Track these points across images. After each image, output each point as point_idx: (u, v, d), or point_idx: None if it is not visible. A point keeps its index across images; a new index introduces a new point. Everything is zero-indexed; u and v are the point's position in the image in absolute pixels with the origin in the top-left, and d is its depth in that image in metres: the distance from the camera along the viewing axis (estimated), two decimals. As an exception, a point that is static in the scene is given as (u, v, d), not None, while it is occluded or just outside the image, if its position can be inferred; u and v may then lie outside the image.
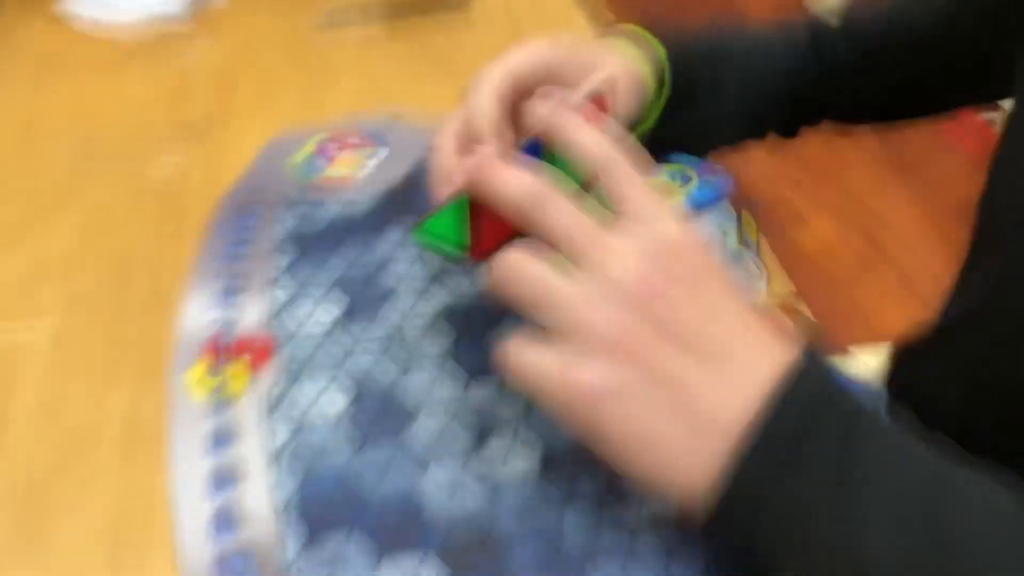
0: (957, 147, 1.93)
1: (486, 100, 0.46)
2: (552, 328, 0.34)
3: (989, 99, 0.62)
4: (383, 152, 0.62)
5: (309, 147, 0.64)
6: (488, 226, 0.40)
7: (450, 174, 0.46)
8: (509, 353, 0.36)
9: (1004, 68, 0.54)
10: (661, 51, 0.55)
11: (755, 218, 0.56)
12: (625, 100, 0.51)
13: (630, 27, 0.57)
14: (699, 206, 0.55)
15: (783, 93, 0.60)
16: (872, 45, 0.61)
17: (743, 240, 0.52)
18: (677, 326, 0.33)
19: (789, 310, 0.47)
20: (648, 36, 0.56)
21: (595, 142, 0.36)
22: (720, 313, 0.34)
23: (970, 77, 0.60)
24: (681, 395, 0.33)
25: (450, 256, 0.42)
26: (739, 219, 0.54)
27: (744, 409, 0.32)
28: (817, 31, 0.62)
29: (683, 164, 0.59)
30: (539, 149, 0.40)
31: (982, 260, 0.52)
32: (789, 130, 0.64)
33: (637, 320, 0.33)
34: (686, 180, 0.58)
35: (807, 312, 0.49)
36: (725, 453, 0.32)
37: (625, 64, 0.52)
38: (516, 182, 0.35)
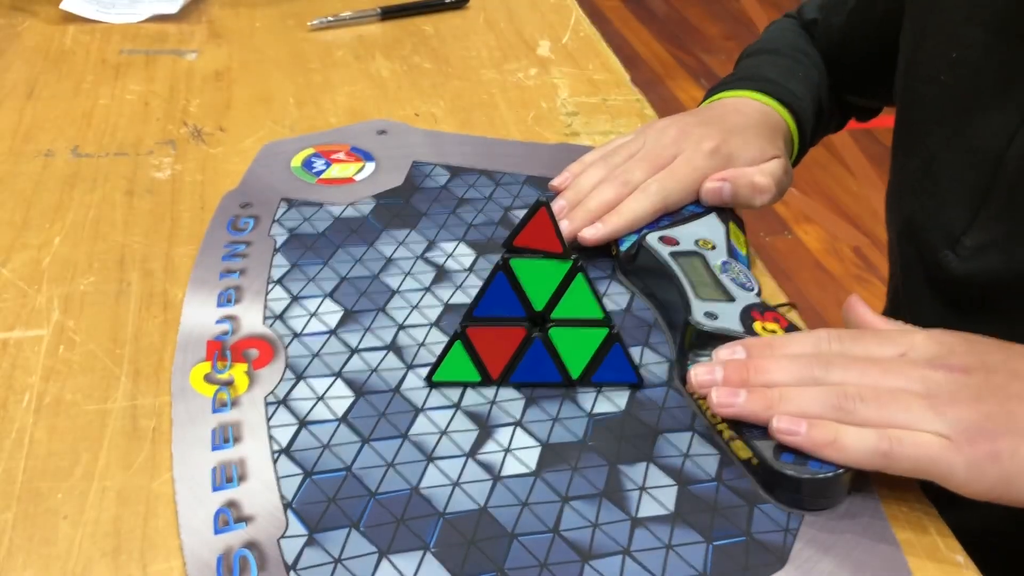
0: (955, 147, 1.93)
1: (642, 209, 0.53)
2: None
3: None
4: (370, 167, 0.62)
5: (306, 152, 0.64)
6: (489, 355, 0.45)
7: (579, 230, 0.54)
8: None
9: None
10: (781, 108, 0.61)
11: (743, 229, 0.56)
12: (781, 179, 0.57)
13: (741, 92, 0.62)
14: (687, 218, 0.55)
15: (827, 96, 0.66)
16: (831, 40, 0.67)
17: (732, 252, 0.52)
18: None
19: (782, 320, 0.47)
20: (763, 97, 0.61)
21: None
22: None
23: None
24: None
25: (474, 385, 0.46)
26: (728, 231, 0.54)
27: None
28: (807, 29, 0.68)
29: None
30: (504, 277, 0.44)
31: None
32: (840, 125, 0.71)
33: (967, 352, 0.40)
34: None
35: (799, 322, 0.49)
36: None
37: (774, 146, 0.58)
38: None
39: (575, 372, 0.45)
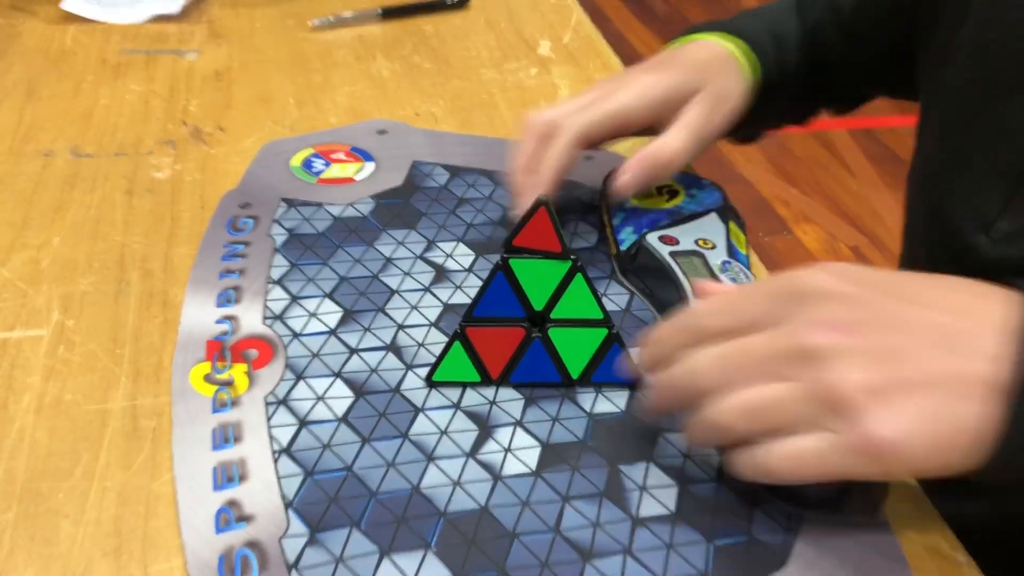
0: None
1: (559, 152, 0.52)
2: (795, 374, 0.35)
3: (903, 96, 0.65)
4: (370, 167, 0.62)
5: (305, 152, 0.64)
6: (488, 354, 0.45)
7: (521, 194, 0.53)
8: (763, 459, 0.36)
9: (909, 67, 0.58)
10: (740, 43, 0.59)
11: (743, 229, 0.56)
12: (731, 110, 0.56)
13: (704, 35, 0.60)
14: (687, 218, 0.55)
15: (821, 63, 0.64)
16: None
17: (732, 251, 0.52)
18: (898, 292, 0.36)
19: None
20: (723, 35, 0.59)
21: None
22: (922, 285, 0.36)
23: (874, 73, 0.64)
24: (936, 360, 0.34)
25: (474, 385, 0.46)
26: (728, 230, 0.54)
27: (999, 342, 0.34)
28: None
29: (671, 178, 0.58)
30: (503, 277, 0.44)
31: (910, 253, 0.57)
32: (842, 100, 0.68)
33: (863, 304, 0.35)
34: (673, 194, 0.58)
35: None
36: (998, 392, 0.33)
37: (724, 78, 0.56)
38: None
39: (575, 372, 0.45)
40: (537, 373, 0.45)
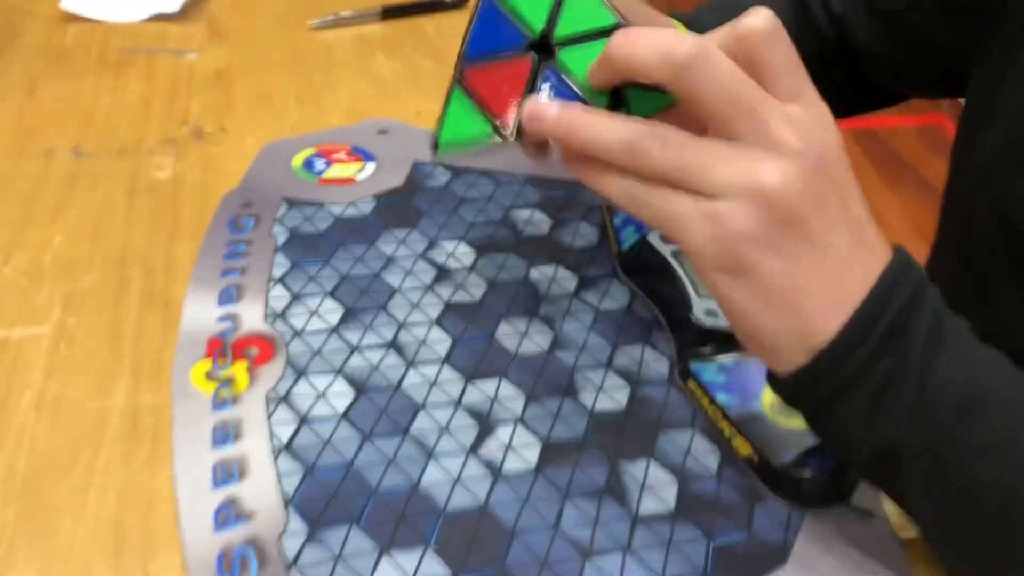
0: (955, 148, 1.93)
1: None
2: (734, 129, 0.34)
3: (940, 94, 0.64)
4: (371, 166, 0.62)
5: (306, 152, 0.65)
6: (495, 99, 0.38)
7: None
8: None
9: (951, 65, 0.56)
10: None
11: None
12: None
13: None
14: None
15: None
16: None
17: None
18: (840, 190, 0.35)
19: None
20: None
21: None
22: (859, 199, 0.36)
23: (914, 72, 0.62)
24: (828, 253, 0.34)
25: (485, 144, 0.39)
26: None
27: (869, 277, 0.34)
28: None
29: None
30: (490, 1, 0.38)
31: (949, 246, 0.56)
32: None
33: (807, 172, 0.34)
34: None
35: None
36: (850, 308, 0.34)
37: None
38: (663, 44, 0.34)
39: (599, 101, 0.37)
40: None
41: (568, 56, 0.37)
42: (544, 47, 0.38)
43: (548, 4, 0.37)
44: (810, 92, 0.35)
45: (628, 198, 0.36)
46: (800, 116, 0.34)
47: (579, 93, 0.37)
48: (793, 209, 0.33)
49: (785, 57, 0.35)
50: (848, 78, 0.64)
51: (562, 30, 0.37)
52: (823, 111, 0.35)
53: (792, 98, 0.35)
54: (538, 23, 0.38)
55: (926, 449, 0.34)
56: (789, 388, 0.36)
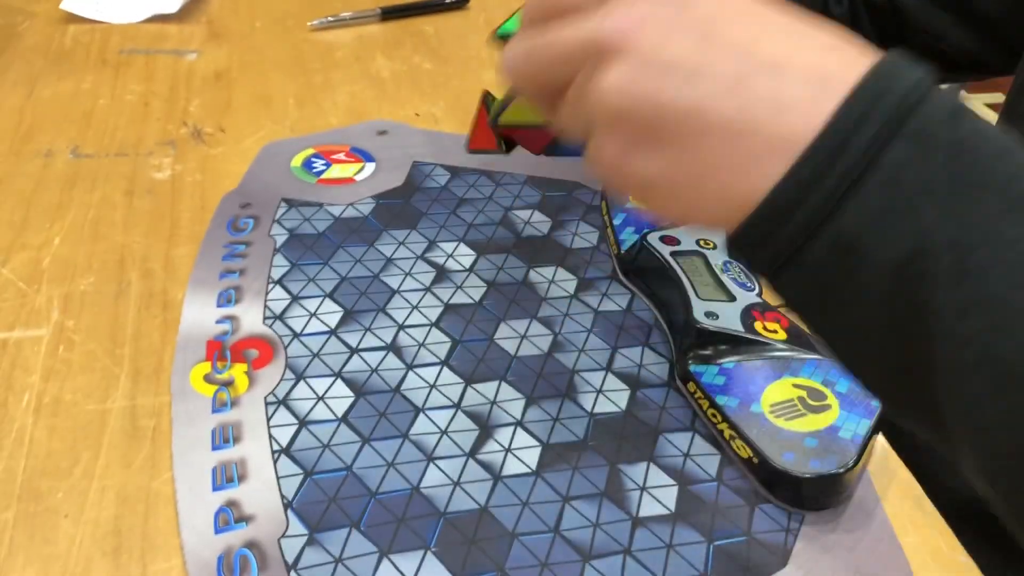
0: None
1: None
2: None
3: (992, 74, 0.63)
4: (370, 167, 0.62)
5: (306, 153, 0.64)
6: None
7: None
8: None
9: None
10: None
11: None
12: None
13: None
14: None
15: None
16: None
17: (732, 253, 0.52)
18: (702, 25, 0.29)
19: (783, 319, 0.47)
20: None
21: None
22: (767, 25, 0.29)
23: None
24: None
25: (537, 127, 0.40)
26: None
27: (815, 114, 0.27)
28: None
29: None
30: None
31: None
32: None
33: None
34: None
35: (801, 322, 0.49)
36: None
37: None
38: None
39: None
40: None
41: None
42: None
43: None
44: None
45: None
46: None
47: None
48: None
49: None
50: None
51: None
52: None
53: None
54: None
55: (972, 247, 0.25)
56: (746, 238, 0.29)
